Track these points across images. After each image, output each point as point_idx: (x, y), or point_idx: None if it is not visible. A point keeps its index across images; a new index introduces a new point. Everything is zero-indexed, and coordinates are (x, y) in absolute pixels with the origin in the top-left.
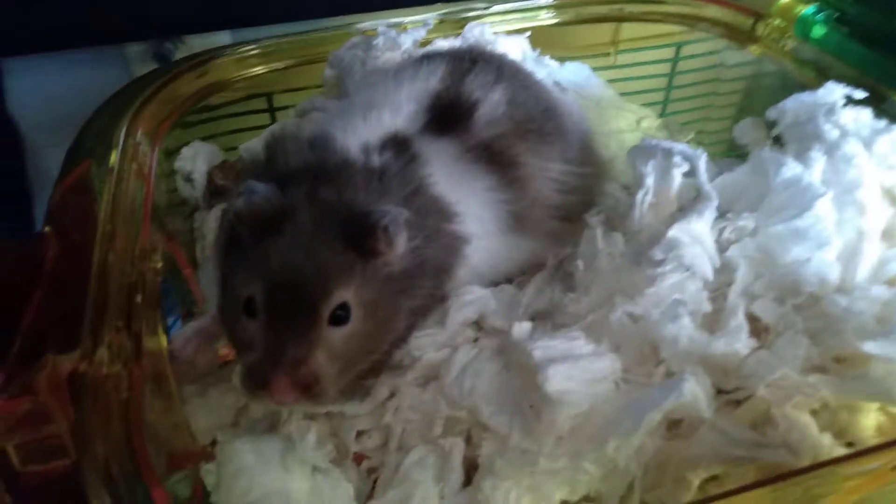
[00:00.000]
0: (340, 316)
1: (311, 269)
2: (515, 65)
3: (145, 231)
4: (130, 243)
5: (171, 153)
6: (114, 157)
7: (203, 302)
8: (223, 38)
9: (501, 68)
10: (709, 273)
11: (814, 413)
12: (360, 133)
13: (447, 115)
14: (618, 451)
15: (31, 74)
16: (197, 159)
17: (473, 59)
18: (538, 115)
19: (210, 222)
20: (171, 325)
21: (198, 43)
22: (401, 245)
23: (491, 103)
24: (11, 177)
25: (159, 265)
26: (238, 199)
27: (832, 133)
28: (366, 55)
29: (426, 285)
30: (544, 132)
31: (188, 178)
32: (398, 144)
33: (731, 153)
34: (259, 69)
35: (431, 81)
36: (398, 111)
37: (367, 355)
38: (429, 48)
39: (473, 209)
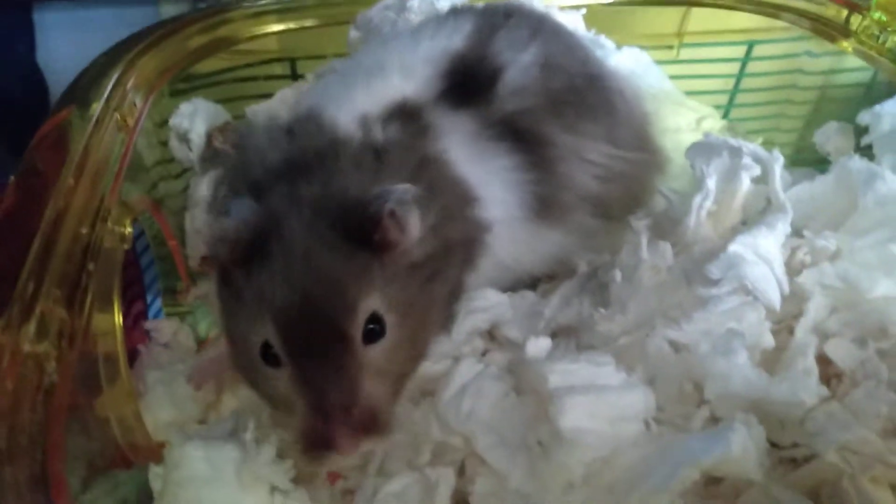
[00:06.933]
0: (374, 331)
1: (323, 287)
2: (559, 24)
3: (115, 190)
4: (93, 202)
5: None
6: (95, 107)
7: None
8: None
9: (540, 25)
10: (775, 301)
11: None
12: (359, 103)
13: (468, 81)
14: None
15: (64, 30)
16: (196, 117)
17: (508, 14)
18: (580, 84)
19: (203, 189)
20: (150, 303)
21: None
22: (415, 227)
23: (520, 66)
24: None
25: (127, 231)
26: (212, 227)
27: None
28: (398, 17)
29: (455, 270)
30: (586, 105)
31: (184, 138)
32: (406, 115)
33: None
34: (275, 27)
35: (455, 39)
36: (410, 75)
37: (416, 362)
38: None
39: (495, 192)
